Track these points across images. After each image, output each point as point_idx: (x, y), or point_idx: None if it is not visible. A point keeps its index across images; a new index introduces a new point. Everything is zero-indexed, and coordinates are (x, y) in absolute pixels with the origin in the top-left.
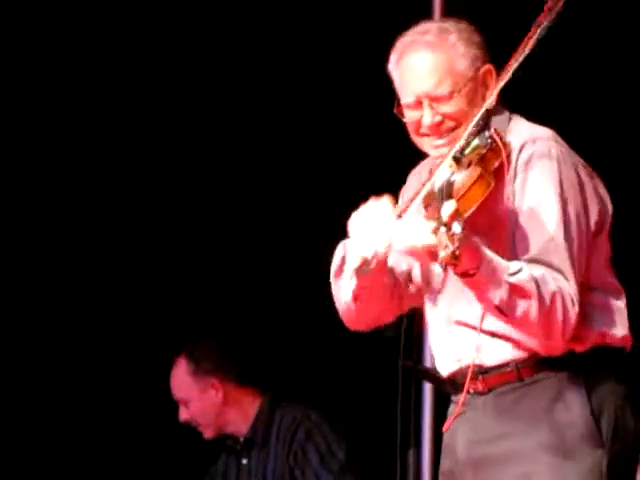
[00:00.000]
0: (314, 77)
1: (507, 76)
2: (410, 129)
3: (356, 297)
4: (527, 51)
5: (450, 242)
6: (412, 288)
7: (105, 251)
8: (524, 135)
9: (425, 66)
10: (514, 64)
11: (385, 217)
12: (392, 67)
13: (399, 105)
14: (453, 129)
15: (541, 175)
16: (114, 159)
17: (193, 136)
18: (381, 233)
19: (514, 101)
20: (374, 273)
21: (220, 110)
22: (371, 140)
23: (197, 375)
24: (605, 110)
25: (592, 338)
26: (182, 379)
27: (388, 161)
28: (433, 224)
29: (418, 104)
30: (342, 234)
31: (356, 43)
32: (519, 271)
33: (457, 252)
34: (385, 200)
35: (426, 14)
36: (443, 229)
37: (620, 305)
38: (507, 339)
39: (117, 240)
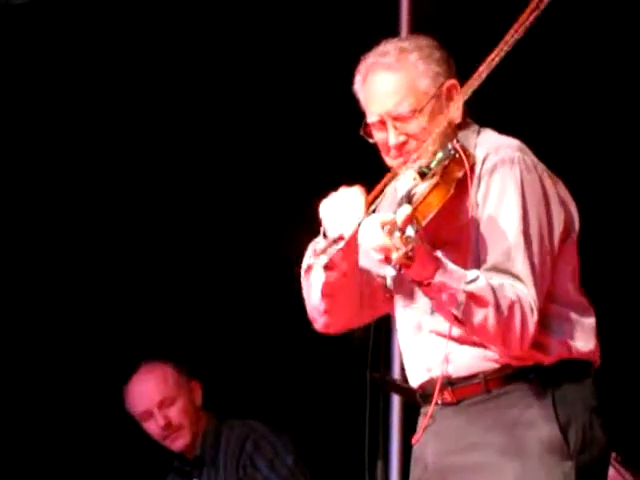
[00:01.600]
0: (286, 87)
1: (468, 92)
2: (381, 151)
3: (325, 293)
4: (491, 68)
5: (403, 244)
6: (385, 293)
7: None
8: (489, 145)
9: (386, 87)
10: (476, 81)
11: (356, 201)
12: (357, 88)
13: (366, 126)
14: (419, 148)
15: (503, 183)
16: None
17: (153, 154)
18: (351, 216)
19: (490, 112)
20: (342, 264)
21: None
22: (343, 149)
23: (181, 373)
24: (578, 119)
25: (557, 349)
26: (167, 377)
27: (360, 170)
28: (388, 227)
29: (382, 124)
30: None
31: (324, 59)
32: (476, 279)
33: (410, 253)
34: (356, 188)
35: (393, 29)
36: (397, 232)
37: (585, 321)
38: (475, 350)
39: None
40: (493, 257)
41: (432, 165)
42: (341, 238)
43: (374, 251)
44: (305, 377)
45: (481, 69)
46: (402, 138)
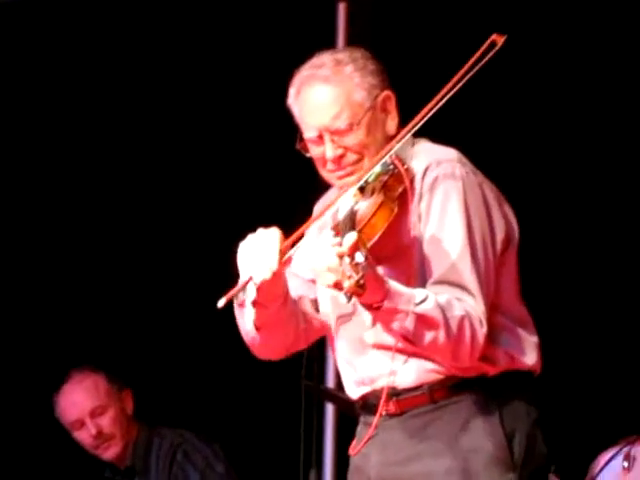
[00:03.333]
0: (217, 102)
1: (417, 125)
2: (317, 165)
3: (258, 327)
4: (433, 110)
5: (354, 271)
6: (321, 316)
7: None
8: (427, 158)
9: (322, 100)
10: (426, 114)
11: (272, 245)
12: (291, 102)
13: (302, 140)
14: (357, 161)
15: (445, 197)
16: None
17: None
18: (266, 261)
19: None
20: (268, 302)
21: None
22: (274, 167)
23: (113, 382)
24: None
25: (502, 360)
26: (99, 386)
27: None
28: (337, 254)
29: (320, 138)
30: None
31: (259, 73)
32: (424, 300)
33: (361, 281)
34: (273, 229)
35: (330, 43)
36: (347, 259)
37: (529, 338)
38: (421, 361)
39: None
40: (439, 270)
41: (370, 179)
42: (249, 281)
43: (323, 280)
44: (238, 385)
45: (424, 111)
46: (340, 151)
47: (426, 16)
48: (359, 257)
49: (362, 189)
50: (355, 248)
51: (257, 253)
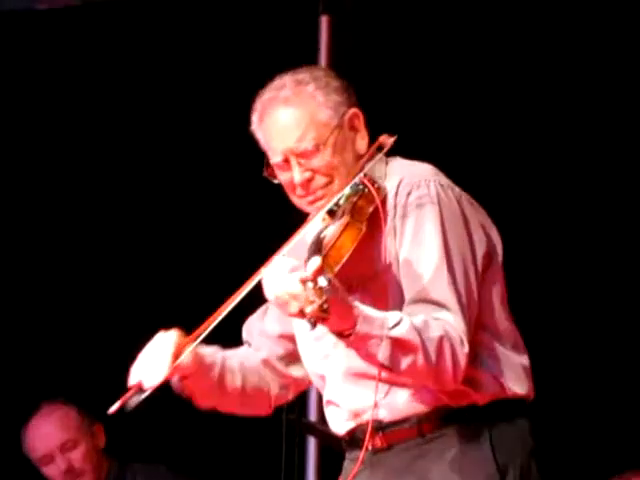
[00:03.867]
0: (196, 115)
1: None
2: (287, 191)
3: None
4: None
5: (316, 296)
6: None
7: None
8: (400, 174)
9: (285, 123)
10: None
11: (165, 351)
12: (255, 127)
13: (269, 166)
14: (327, 184)
15: (419, 213)
16: None
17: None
18: (157, 367)
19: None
20: (195, 395)
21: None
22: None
23: (84, 416)
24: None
25: (488, 384)
26: (69, 419)
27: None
28: (299, 280)
29: (286, 162)
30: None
31: (240, 87)
32: (399, 323)
33: (325, 305)
34: (171, 333)
35: (312, 54)
36: (310, 284)
37: (517, 359)
38: (407, 392)
39: None
40: (415, 288)
41: (341, 202)
42: (138, 386)
43: (286, 308)
44: (217, 418)
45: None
46: (307, 174)
47: (410, 28)
48: (322, 281)
49: (332, 212)
50: (318, 272)
51: (150, 358)
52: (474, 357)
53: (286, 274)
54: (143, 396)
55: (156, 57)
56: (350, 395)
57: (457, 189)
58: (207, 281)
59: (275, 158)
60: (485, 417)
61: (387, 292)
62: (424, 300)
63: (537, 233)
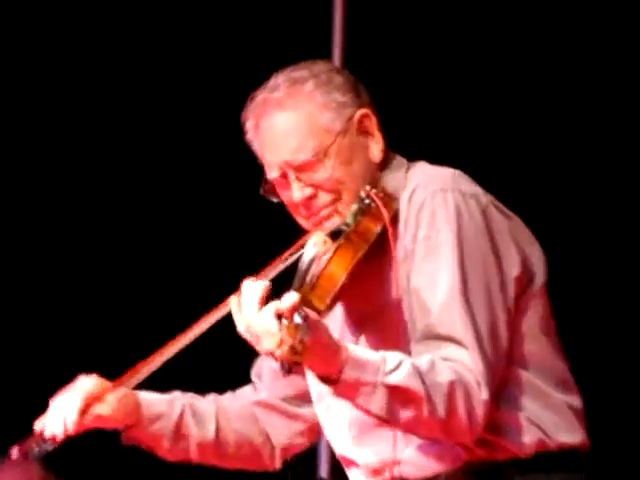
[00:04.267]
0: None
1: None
2: (290, 211)
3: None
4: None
5: (289, 335)
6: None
7: None
8: (414, 184)
9: (280, 130)
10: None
11: (74, 400)
12: (250, 137)
13: (267, 183)
14: (332, 201)
15: (431, 226)
16: None
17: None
18: (64, 417)
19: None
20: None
21: None
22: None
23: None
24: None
25: (526, 433)
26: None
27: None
28: (273, 314)
29: (284, 177)
30: None
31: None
32: (397, 367)
33: (298, 347)
34: (88, 379)
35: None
36: (284, 321)
37: (565, 400)
38: (431, 445)
39: None
40: (423, 323)
41: (348, 221)
42: (53, 439)
43: (260, 346)
44: (218, 471)
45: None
46: (308, 191)
47: (432, 9)
48: (297, 318)
49: (336, 234)
50: (295, 307)
51: (58, 408)
52: (506, 398)
53: (257, 304)
54: (48, 448)
55: (161, 40)
56: (366, 449)
57: (484, 198)
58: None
59: (271, 173)
60: (529, 473)
61: (400, 327)
62: (433, 336)
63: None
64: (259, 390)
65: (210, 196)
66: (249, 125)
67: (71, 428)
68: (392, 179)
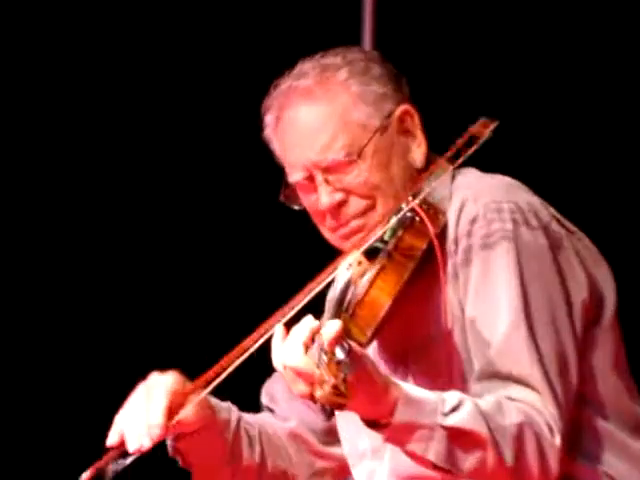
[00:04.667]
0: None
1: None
2: (314, 220)
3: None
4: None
5: (330, 373)
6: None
7: None
8: (463, 195)
9: (307, 125)
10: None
11: (158, 402)
12: (269, 133)
13: (287, 186)
14: (366, 210)
15: (488, 254)
16: None
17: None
18: (147, 424)
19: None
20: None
21: None
22: None
23: None
24: None
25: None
26: None
27: None
28: (308, 349)
29: (309, 180)
30: None
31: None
32: (458, 407)
33: (341, 386)
34: (167, 377)
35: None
36: (324, 357)
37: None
38: None
39: None
40: (484, 359)
41: (386, 237)
42: (120, 448)
43: (294, 387)
44: None
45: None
46: (339, 196)
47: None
48: (339, 353)
49: (371, 253)
50: (336, 341)
51: (138, 410)
52: (580, 448)
53: (302, 346)
54: (127, 462)
55: (179, 28)
56: None
57: (546, 212)
58: (223, 314)
59: (295, 175)
60: None
61: (452, 361)
62: (495, 375)
63: None
64: (287, 418)
65: (233, 206)
66: (269, 118)
67: (158, 434)
68: (436, 188)
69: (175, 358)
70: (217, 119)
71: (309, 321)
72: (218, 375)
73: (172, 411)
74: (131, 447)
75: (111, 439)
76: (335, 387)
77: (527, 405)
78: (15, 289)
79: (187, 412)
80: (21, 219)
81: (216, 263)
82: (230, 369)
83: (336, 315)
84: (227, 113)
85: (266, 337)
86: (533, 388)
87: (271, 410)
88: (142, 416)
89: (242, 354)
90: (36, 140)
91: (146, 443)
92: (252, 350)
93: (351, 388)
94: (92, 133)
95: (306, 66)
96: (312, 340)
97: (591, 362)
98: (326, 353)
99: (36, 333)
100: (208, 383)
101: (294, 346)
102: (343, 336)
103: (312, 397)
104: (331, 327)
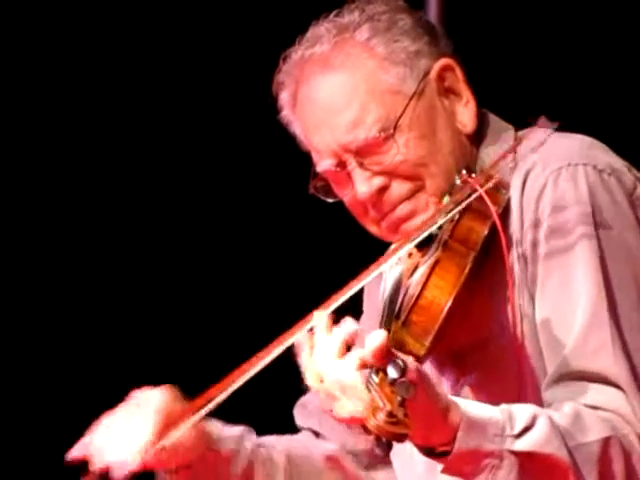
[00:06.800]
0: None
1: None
2: (354, 213)
3: None
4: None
5: (384, 397)
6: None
7: None
8: (530, 163)
9: (328, 100)
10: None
11: (146, 421)
12: (287, 114)
13: (316, 176)
14: (413, 191)
15: (560, 228)
16: None
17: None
18: (132, 444)
19: None
20: None
21: None
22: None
23: None
24: None
25: None
26: None
27: None
28: (356, 368)
29: (342, 167)
30: None
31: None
32: (530, 427)
33: (398, 413)
34: (161, 393)
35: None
36: (374, 377)
37: None
38: None
39: None
40: (558, 358)
41: (441, 222)
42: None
43: (338, 411)
44: None
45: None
46: (377, 182)
47: None
48: (392, 372)
49: (421, 243)
50: (385, 355)
51: (122, 430)
52: None
53: (337, 353)
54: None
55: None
56: None
57: (629, 174)
58: (238, 317)
59: (323, 162)
60: None
61: (521, 367)
62: (573, 375)
63: None
64: (327, 438)
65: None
66: (284, 97)
67: (137, 460)
68: (495, 156)
69: (176, 369)
70: (227, 104)
71: (350, 324)
72: (222, 393)
73: (159, 435)
74: (117, 472)
75: (95, 462)
76: (391, 414)
77: (612, 413)
78: (14, 294)
79: (175, 438)
80: (24, 220)
81: (233, 260)
82: (237, 385)
83: (386, 325)
84: (238, 96)
85: (288, 345)
86: (617, 386)
87: (310, 431)
88: (122, 438)
89: (255, 367)
90: (36, 140)
91: (132, 465)
92: (267, 362)
93: (412, 415)
94: (94, 131)
95: (320, 29)
96: (348, 351)
97: None
98: (377, 372)
99: (36, 337)
100: (206, 404)
101: (334, 355)
102: (392, 351)
103: (364, 427)
104: (374, 340)
